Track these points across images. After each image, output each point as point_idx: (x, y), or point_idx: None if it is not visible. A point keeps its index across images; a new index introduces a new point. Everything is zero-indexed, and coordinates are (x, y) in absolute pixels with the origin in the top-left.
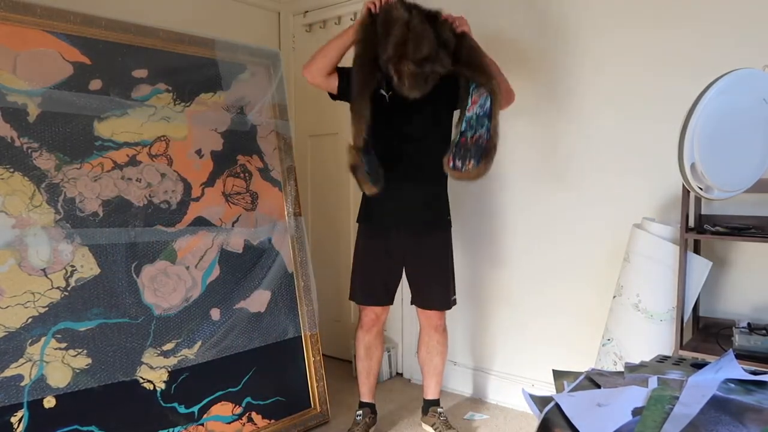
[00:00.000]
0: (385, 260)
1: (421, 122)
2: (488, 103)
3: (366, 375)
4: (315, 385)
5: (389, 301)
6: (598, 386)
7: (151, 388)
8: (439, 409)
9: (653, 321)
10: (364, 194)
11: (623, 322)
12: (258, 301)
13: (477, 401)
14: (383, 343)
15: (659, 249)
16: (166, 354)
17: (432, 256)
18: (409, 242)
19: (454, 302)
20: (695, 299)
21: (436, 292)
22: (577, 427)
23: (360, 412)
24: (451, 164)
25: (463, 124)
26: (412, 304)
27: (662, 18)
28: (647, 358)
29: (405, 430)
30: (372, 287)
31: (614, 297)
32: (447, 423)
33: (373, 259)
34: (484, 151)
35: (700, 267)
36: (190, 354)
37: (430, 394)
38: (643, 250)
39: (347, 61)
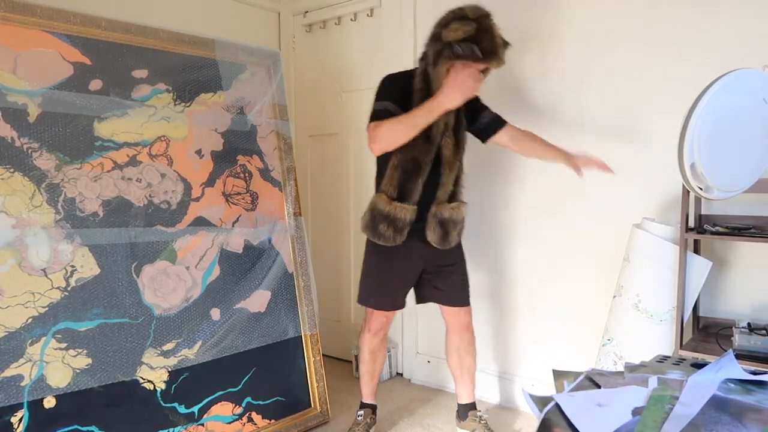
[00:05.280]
0: (406, 265)
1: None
2: None
3: (370, 377)
4: (315, 385)
5: (403, 304)
6: (598, 386)
7: (151, 388)
8: (479, 413)
9: (653, 321)
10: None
11: (623, 322)
12: (258, 301)
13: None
14: (386, 346)
15: (659, 249)
16: (166, 354)
17: (452, 257)
18: (428, 250)
19: None
20: (695, 299)
21: (464, 290)
22: (577, 427)
23: (361, 412)
24: None
25: None
26: (439, 303)
27: (663, 17)
28: (647, 358)
29: (405, 430)
30: (391, 292)
31: (614, 297)
32: (488, 427)
33: (394, 264)
34: None
35: (700, 267)
36: (190, 354)
37: (467, 398)
38: (643, 250)
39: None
